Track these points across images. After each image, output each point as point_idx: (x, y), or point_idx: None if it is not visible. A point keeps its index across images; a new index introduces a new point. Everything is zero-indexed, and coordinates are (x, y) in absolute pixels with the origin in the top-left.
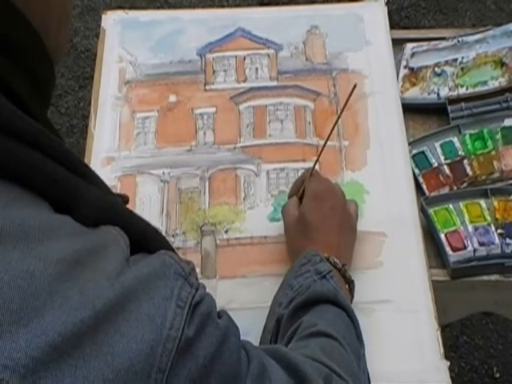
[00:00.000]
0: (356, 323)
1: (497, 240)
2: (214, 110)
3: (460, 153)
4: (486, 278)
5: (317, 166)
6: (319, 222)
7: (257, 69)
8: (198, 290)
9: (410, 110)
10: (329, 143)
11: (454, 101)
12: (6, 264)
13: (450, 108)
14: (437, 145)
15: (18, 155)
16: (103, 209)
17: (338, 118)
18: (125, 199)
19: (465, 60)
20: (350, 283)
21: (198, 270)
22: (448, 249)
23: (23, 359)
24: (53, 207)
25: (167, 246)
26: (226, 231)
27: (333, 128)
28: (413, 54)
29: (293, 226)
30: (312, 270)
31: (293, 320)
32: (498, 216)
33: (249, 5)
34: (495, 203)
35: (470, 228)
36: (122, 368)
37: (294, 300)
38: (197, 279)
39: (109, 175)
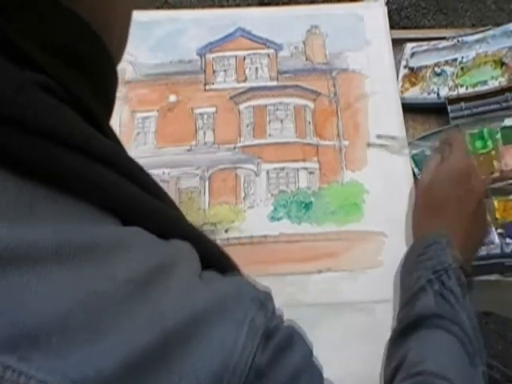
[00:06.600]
0: (467, 347)
1: (497, 240)
2: (213, 109)
3: None
4: (485, 277)
5: (317, 166)
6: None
7: (257, 69)
8: (273, 318)
9: (410, 109)
10: (329, 143)
11: (453, 100)
12: (76, 282)
13: (449, 108)
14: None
15: (94, 176)
16: (171, 223)
17: None
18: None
19: (465, 60)
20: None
21: None
22: None
23: (91, 380)
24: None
25: (235, 267)
26: (226, 231)
27: None
28: (413, 54)
29: (427, 188)
30: (429, 265)
31: (399, 345)
32: (497, 216)
33: (249, 5)
34: (495, 203)
35: None
36: None
37: (402, 319)
38: (273, 307)
39: None
